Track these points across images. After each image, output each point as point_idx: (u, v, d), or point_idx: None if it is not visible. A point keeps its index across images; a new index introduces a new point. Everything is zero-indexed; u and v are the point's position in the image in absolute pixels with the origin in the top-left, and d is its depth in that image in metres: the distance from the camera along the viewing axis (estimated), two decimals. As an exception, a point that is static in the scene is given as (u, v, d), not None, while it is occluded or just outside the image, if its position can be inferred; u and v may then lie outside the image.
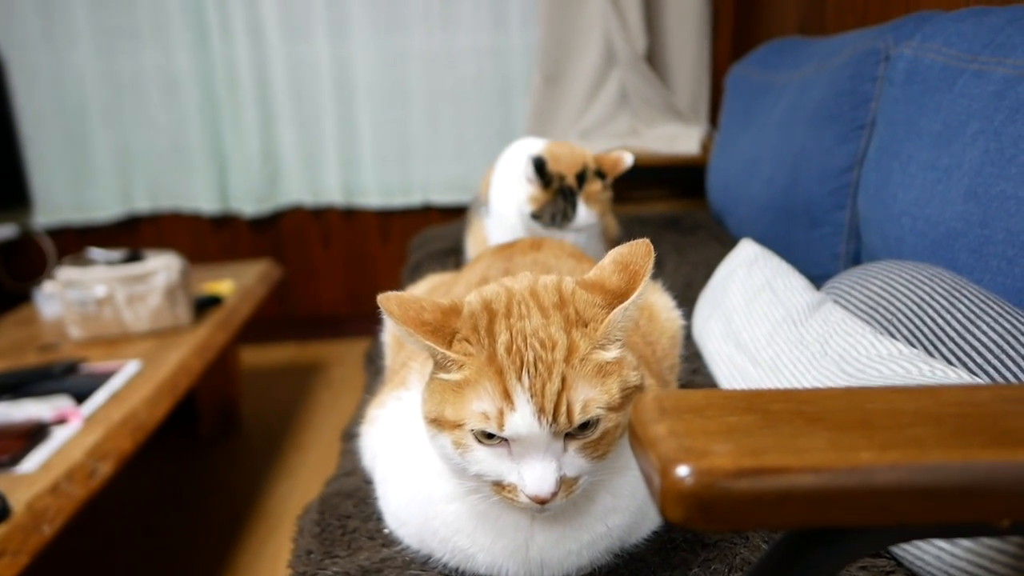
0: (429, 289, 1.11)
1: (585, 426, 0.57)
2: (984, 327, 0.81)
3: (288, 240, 2.83)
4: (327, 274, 2.88)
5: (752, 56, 2.03)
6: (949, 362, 0.81)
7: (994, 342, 0.79)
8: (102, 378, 1.46)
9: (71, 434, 1.24)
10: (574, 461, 0.58)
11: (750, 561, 0.68)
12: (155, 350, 1.62)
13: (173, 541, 1.75)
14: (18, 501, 1.04)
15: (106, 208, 2.69)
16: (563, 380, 0.56)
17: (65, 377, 1.48)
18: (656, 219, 2.06)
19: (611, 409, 0.58)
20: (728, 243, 1.66)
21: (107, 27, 2.53)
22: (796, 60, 1.69)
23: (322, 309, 2.91)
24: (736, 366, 1.04)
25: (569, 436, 0.58)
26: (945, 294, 0.87)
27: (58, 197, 2.66)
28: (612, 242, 1.48)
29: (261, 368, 2.70)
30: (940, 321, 0.85)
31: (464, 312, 0.61)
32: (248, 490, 1.93)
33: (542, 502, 0.57)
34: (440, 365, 0.60)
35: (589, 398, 0.57)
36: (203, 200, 2.69)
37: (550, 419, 0.56)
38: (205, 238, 2.81)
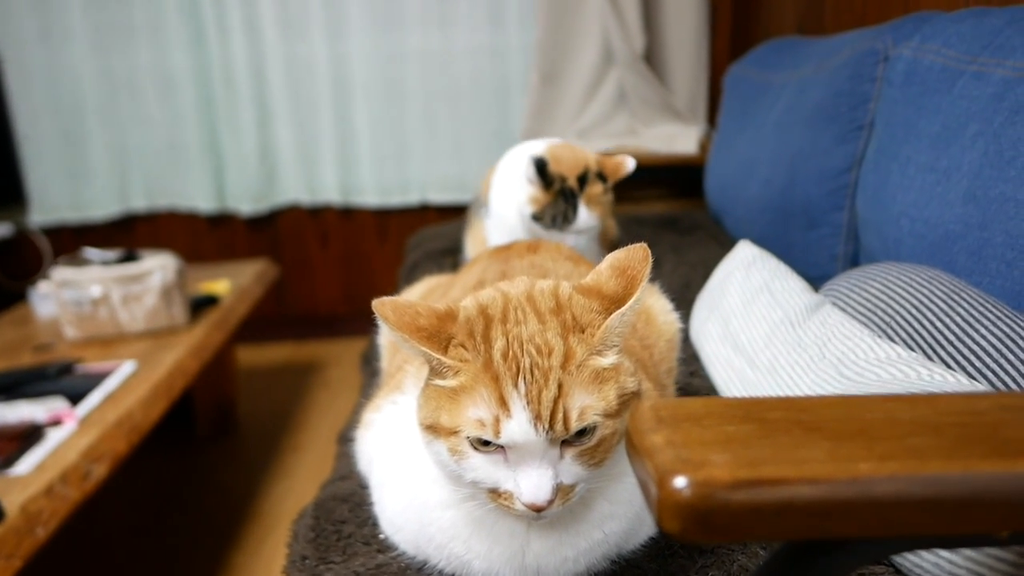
0: (425, 291, 1.10)
1: (582, 433, 0.57)
2: (983, 330, 0.80)
3: (285, 239, 2.83)
4: (324, 273, 2.87)
5: (750, 56, 2.03)
6: (948, 366, 0.81)
7: (993, 346, 0.78)
8: (97, 379, 1.45)
9: (65, 436, 1.24)
10: (571, 468, 0.58)
11: (748, 568, 0.68)
12: (151, 350, 1.61)
13: (169, 542, 1.75)
14: (12, 503, 1.03)
15: (102, 207, 2.68)
16: (559, 387, 0.56)
17: (60, 378, 1.47)
18: (654, 219, 2.05)
19: (608, 416, 0.57)
20: (726, 243, 1.66)
21: (103, 25, 2.52)
22: (794, 60, 1.69)
23: (319, 308, 2.90)
24: (734, 368, 1.04)
25: (566, 443, 0.57)
26: (944, 297, 0.86)
27: (54, 196, 2.65)
28: (612, 244, 1.47)
29: (258, 368, 2.69)
30: (939, 324, 0.84)
31: (460, 317, 0.60)
32: (245, 490, 1.93)
33: (538, 510, 0.57)
34: (436, 371, 0.60)
35: (586, 405, 0.56)
36: (200, 199, 2.69)
37: (546, 426, 0.55)
38: (201, 237, 2.80)
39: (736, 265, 1.19)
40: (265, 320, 2.81)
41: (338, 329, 2.87)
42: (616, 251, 0.64)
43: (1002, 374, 0.77)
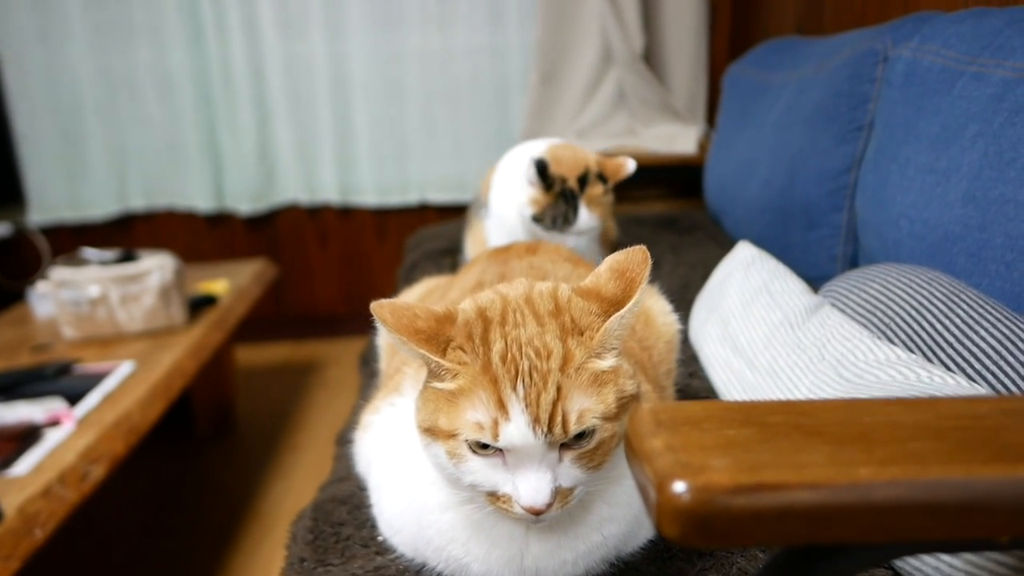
0: (424, 293, 1.10)
1: (581, 436, 0.57)
2: (982, 332, 0.80)
3: (284, 239, 2.82)
4: (323, 273, 2.87)
5: (750, 56, 2.03)
6: (947, 367, 0.81)
7: (992, 347, 0.78)
8: (95, 379, 1.45)
9: (64, 436, 1.23)
10: (569, 471, 0.58)
11: (747, 572, 0.68)
12: (149, 351, 1.61)
13: (168, 542, 1.74)
14: (10, 505, 1.03)
15: (101, 206, 2.67)
16: (558, 390, 0.55)
17: (58, 378, 1.47)
18: (653, 219, 2.05)
19: (607, 419, 0.57)
20: (725, 243, 1.66)
21: (102, 24, 2.51)
22: (794, 60, 1.69)
23: (318, 308, 2.90)
24: (733, 370, 1.04)
25: (564, 446, 0.57)
26: (943, 298, 0.86)
27: (52, 195, 2.64)
28: (612, 245, 1.47)
29: (257, 367, 2.69)
30: (938, 326, 0.84)
31: (458, 320, 0.60)
32: (243, 490, 1.93)
33: (537, 513, 0.57)
34: (434, 374, 0.59)
35: (584, 408, 0.56)
36: (198, 198, 2.68)
37: (545, 429, 0.55)
38: (200, 237, 2.80)
39: (735, 266, 1.18)
40: (264, 320, 2.81)
41: (337, 329, 2.87)
42: (615, 253, 0.64)
43: (1002, 376, 0.76)
